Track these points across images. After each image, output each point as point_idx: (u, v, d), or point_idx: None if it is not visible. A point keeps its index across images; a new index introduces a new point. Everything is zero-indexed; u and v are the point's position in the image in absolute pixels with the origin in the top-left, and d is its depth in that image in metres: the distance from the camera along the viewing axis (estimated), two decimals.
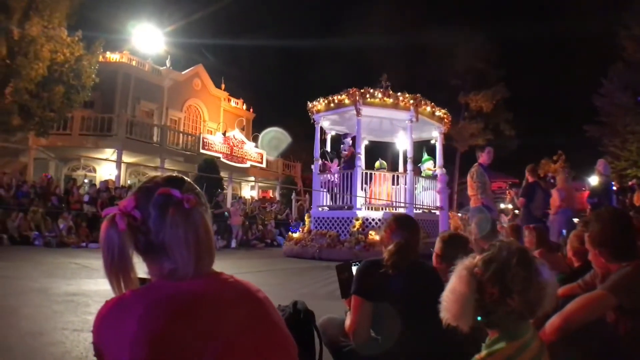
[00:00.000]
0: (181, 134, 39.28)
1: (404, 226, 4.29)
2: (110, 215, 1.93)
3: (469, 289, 2.35)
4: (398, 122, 21.58)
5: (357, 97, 19.47)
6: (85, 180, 34.13)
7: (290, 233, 22.90)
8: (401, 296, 3.74)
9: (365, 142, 24.56)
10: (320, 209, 21.48)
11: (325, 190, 21.12)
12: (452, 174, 48.72)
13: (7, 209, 20.13)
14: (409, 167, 20.37)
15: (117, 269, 1.89)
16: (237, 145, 40.44)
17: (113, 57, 38.96)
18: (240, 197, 37.51)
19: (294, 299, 3.77)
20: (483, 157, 13.14)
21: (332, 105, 20.63)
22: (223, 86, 48.03)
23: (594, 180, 15.64)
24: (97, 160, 35.25)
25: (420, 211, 21.07)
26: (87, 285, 9.76)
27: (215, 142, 38.83)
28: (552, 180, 15.84)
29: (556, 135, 53.02)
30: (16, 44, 25.64)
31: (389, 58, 47.99)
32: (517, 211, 22.46)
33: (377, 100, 19.65)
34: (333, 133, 24.11)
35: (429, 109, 20.92)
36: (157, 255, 1.91)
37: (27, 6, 25.82)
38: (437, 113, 21.66)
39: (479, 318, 2.38)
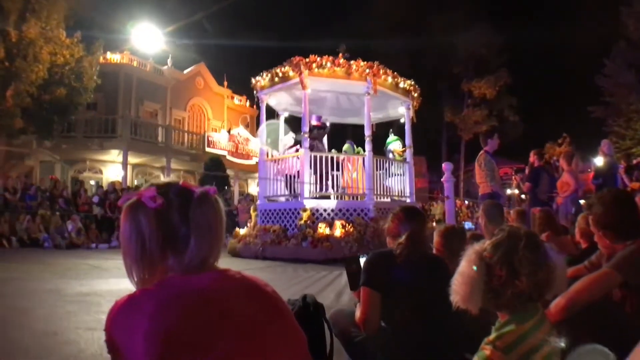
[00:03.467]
0: (186, 133, 39.36)
1: (413, 217, 4.34)
2: (133, 201, 1.96)
3: (477, 271, 2.41)
4: (356, 97, 18.90)
5: (302, 68, 16.70)
6: (92, 182, 34.28)
7: (237, 229, 20.67)
8: (410, 286, 3.79)
9: (327, 124, 20.56)
10: (267, 200, 18.67)
11: (282, 178, 18.26)
12: (457, 162, 48.61)
13: (15, 212, 20.22)
14: (367, 147, 17.71)
15: (149, 258, 1.91)
16: (242, 142, 40.33)
17: (114, 57, 38.75)
18: (248, 194, 37.56)
19: None
20: (491, 144, 13.12)
21: (276, 79, 17.89)
22: (226, 84, 47.85)
23: (599, 161, 15.63)
24: (102, 161, 35.34)
25: (389, 199, 18.94)
26: (99, 285, 9.83)
27: (220, 140, 38.83)
28: (556, 164, 15.81)
29: (561, 118, 52.92)
30: (14, 46, 25.72)
31: (389, 49, 47.87)
32: (523, 196, 22.42)
33: (326, 70, 16.86)
34: (286, 114, 21.30)
35: (390, 79, 18.00)
36: (174, 245, 1.93)
37: (23, 7, 25.94)
38: (402, 85, 18.66)
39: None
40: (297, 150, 17.79)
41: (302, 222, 16.15)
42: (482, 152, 13.07)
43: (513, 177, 23.01)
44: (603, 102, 44.70)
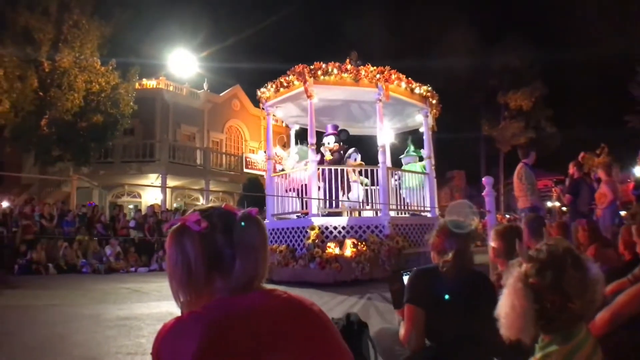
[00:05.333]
0: (224, 155, 39.80)
1: (459, 231, 4.26)
2: (177, 226, 2.01)
3: (528, 302, 2.35)
4: (369, 105, 17.49)
5: (306, 76, 15.34)
6: (130, 207, 34.57)
7: None
8: (455, 303, 3.75)
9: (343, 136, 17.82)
10: (275, 218, 17.42)
11: (293, 193, 17.20)
12: (496, 176, 48.46)
13: (52, 239, 20.27)
14: (380, 159, 16.05)
15: (195, 281, 1.93)
16: (279, 162, 40.24)
17: (150, 83, 39.32)
18: None
19: None
20: (532, 157, 13.05)
21: (281, 89, 16.70)
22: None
23: (638, 171, 15.48)
24: (141, 186, 35.77)
25: (408, 214, 17.58)
26: (139, 309, 9.80)
27: (257, 161, 39.08)
28: (596, 176, 15.64)
29: (598, 128, 52.39)
30: (48, 76, 26.34)
31: (423, 63, 47.86)
32: (564, 208, 22.23)
33: (333, 77, 15.48)
34: (297, 127, 20.80)
35: (404, 85, 16.41)
36: (220, 267, 1.94)
37: (56, 38, 26.66)
38: (418, 90, 16.97)
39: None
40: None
41: (310, 241, 14.52)
42: (520, 164, 13.00)
43: (553, 189, 22.87)
44: (638, 110, 44.29)
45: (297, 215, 16.64)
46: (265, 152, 23.34)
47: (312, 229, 14.53)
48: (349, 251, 13.99)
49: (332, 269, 13.61)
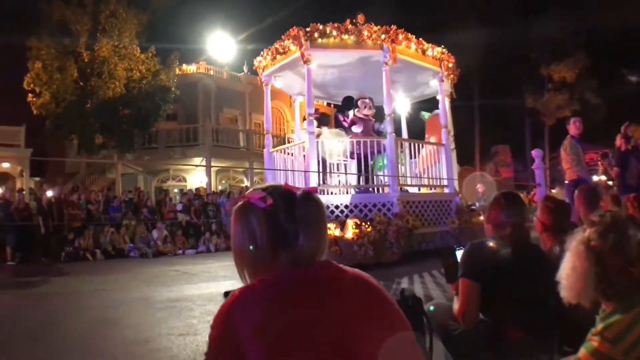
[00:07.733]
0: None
1: (514, 203, 4.21)
2: (242, 203, 2.05)
3: (589, 264, 2.36)
4: (375, 69, 15.05)
5: (302, 39, 14.01)
6: (176, 190, 34.86)
7: None
8: (510, 277, 3.71)
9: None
10: None
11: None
12: (543, 149, 48.08)
13: (99, 225, 20.54)
14: (389, 128, 14.62)
15: (262, 256, 1.97)
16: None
17: (190, 68, 39.75)
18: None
19: None
20: (571, 129, 12.89)
21: (278, 57, 15.36)
22: None
23: None
24: (186, 169, 36.26)
25: (417, 189, 16.40)
26: (189, 291, 9.89)
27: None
28: None
29: None
30: (87, 66, 26.75)
31: (463, 37, 47.40)
32: (610, 182, 21.98)
33: (332, 39, 14.10)
34: (301, 99, 18.67)
35: (413, 46, 15.07)
36: (285, 242, 1.97)
37: (93, 28, 27.00)
38: (430, 52, 15.60)
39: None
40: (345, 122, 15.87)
41: None
42: (567, 137, 12.85)
43: (599, 162, 22.52)
44: None
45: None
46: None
47: None
48: (350, 232, 12.77)
49: (331, 253, 11.82)
